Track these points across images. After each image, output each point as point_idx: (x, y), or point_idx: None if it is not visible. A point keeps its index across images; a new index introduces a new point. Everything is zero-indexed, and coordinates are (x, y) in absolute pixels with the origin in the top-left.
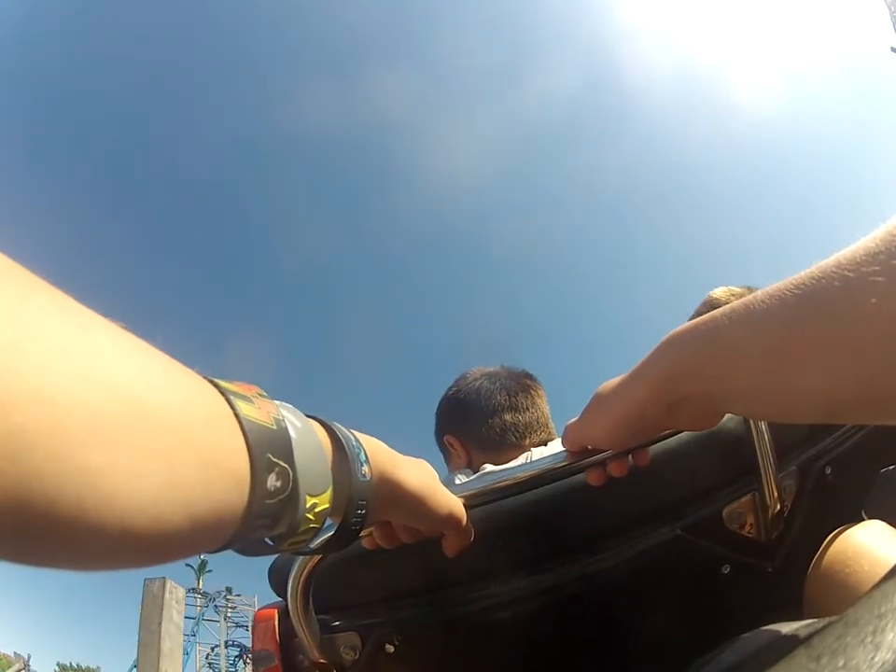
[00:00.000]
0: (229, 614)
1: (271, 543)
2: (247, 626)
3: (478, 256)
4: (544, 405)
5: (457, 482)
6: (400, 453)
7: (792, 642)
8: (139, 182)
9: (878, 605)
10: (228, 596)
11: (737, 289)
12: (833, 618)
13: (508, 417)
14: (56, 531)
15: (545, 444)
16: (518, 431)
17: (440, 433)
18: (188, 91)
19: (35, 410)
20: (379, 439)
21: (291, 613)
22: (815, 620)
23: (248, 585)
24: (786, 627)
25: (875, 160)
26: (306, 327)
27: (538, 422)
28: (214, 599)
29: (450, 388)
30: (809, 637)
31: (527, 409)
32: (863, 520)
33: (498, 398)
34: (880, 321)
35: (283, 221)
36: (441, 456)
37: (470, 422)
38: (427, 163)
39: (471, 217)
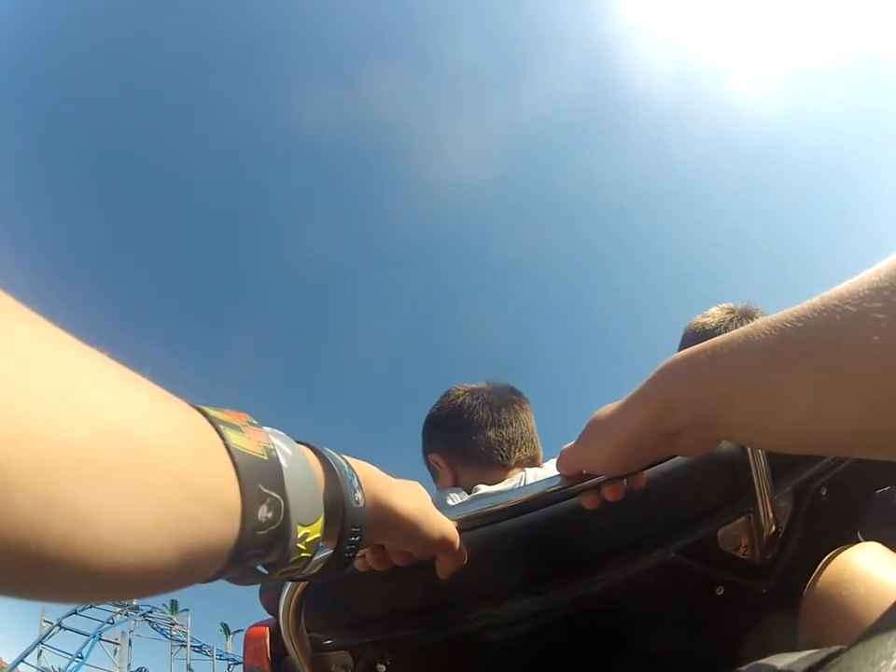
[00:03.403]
0: (173, 633)
1: (264, 571)
2: (199, 648)
3: (476, 261)
4: (529, 420)
5: (450, 502)
6: (398, 463)
7: None
8: (137, 183)
9: (873, 651)
10: (157, 612)
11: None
12: (831, 650)
13: (491, 434)
14: (44, 569)
15: (532, 460)
16: (503, 448)
17: (425, 452)
18: (187, 92)
19: (18, 449)
20: (375, 442)
21: (283, 631)
22: (813, 652)
23: (184, 601)
24: (781, 661)
25: (877, 158)
26: (303, 330)
27: (522, 437)
28: (137, 610)
29: (434, 406)
30: None
31: (510, 424)
32: (860, 542)
33: (481, 413)
34: (881, 360)
35: (281, 222)
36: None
37: (454, 439)
38: (427, 166)
39: (471, 219)
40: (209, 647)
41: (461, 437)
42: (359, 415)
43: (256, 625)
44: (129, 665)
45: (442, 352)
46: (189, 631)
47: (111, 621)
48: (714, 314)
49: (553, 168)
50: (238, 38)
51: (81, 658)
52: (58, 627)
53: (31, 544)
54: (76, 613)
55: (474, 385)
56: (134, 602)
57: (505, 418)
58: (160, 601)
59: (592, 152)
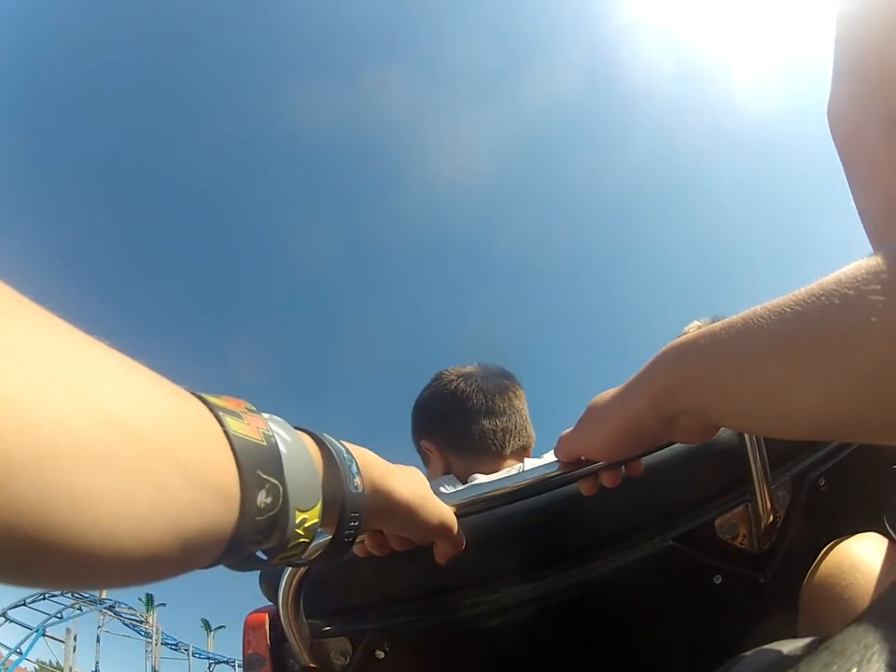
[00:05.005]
0: (148, 629)
1: (263, 557)
2: (175, 645)
3: (476, 258)
4: (523, 406)
5: (443, 490)
6: (397, 453)
7: (786, 666)
8: (136, 184)
9: (865, 634)
10: (121, 606)
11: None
12: (822, 642)
13: (486, 423)
14: (45, 555)
15: (524, 449)
16: (497, 438)
17: (415, 437)
18: (187, 93)
19: (19, 436)
20: (377, 435)
21: (282, 618)
22: (815, 639)
23: (160, 596)
24: (785, 647)
25: None
26: (305, 327)
27: (516, 426)
28: (97, 604)
29: (425, 390)
30: (797, 663)
31: (504, 412)
32: (871, 527)
33: (475, 402)
34: (879, 340)
35: (281, 223)
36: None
37: (447, 428)
38: (427, 165)
39: (471, 219)
40: (185, 645)
41: (455, 425)
42: (361, 406)
43: (255, 612)
44: (97, 662)
45: (444, 344)
46: (154, 625)
47: (59, 615)
48: (688, 332)
49: (554, 164)
50: (237, 38)
51: (21, 654)
52: (3, 618)
53: (31, 530)
54: (24, 605)
55: (466, 369)
56: (103, 594)
57: (499, 406)
58: (133, 596)
59: (593, 148)
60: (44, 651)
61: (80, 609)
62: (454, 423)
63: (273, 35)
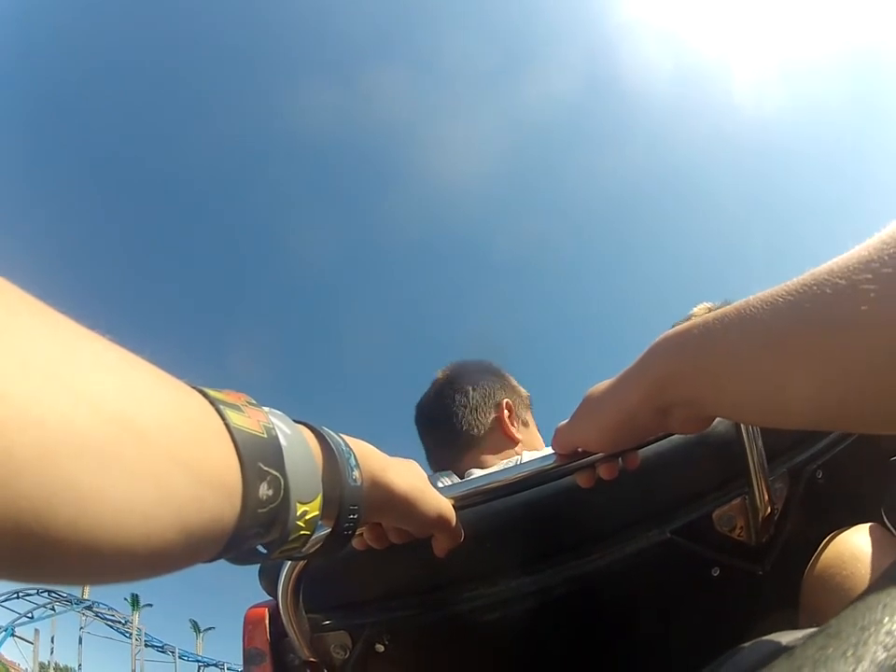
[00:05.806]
0: (131, 630)
1: (263, 551)
2: (161, 647)
3: (476, 257)
4: (468, 405)
5: (440, 485)
6: (398, 450)
7: (783, 652)
8: (136, 184)
9: (862, 616)
10: (100, 606)
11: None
12: (818, 629)
13: (428, 441)
14: (50, 551)
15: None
16: (432, 459)
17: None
18: (186, 93)
19: (23, 434)
20: (378, 434)
21: (282, 612)
22: (815, 630)
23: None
24: (784, 638)
25: (877, 153)
26: (305, 327)
27: (460, 435)
28: (75, 603)
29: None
30: (792, 647)
31: (440, 424)
32: (869, 519)
33: (421, 421)
34: (870, 329)
35: (281, 223)
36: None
37: (425, 424)
38: (426, 165)
39: (470, 219)
40: (171, 647)
41: (430, 420)
42: (361, 404)
43: (255, 607)
44: (79, 665)
45: (444, 344)
46: (135, 624)
47: (30, 615)
48: (696, 313)
49: (553, 164)
50: (237, 39)
51: None
52: None
53: (36, 527)
54: None
55: (446, 371)
56: (85, 594)
57: (437, 419)
58: (119, 596)
59: (592, 148)
60: (44, 652)
61: (53, 608)
62: (428, 419)
63: (272, 36)
